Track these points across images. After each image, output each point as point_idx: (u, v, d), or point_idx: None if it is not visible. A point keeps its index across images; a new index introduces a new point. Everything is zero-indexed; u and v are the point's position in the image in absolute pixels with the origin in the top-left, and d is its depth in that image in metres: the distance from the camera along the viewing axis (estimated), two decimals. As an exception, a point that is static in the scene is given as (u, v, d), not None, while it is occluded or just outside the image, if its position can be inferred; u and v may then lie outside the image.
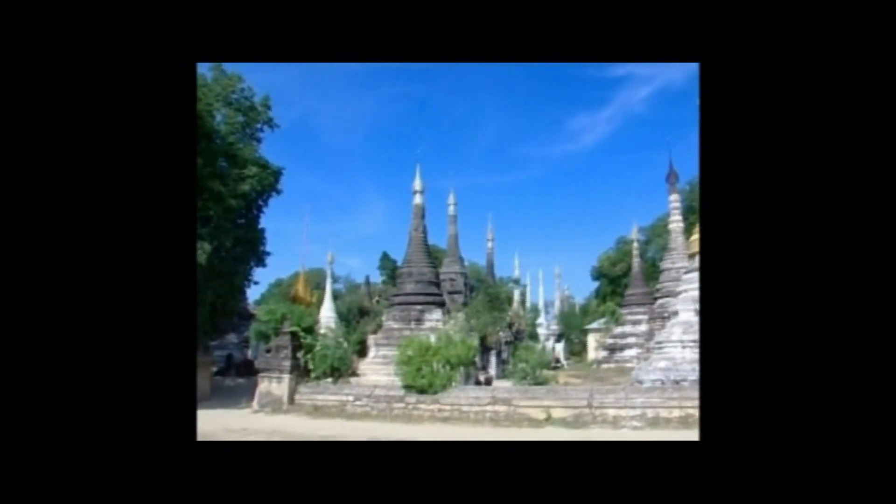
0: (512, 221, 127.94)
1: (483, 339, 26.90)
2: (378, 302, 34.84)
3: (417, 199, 28.78)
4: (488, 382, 22.13)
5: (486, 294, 35.52)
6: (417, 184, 28.75)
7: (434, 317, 25.83)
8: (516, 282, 48.52)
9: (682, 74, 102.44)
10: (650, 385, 15.81)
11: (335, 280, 38.02)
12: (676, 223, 32.34)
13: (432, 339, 17.30)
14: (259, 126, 20.34)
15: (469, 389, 15.78)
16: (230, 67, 19.78)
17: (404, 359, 15.80)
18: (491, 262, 45.08)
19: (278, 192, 20.76)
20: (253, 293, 48.02)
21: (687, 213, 34.01)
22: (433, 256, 30.57)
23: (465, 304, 31.55)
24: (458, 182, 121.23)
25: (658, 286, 33.28)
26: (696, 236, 21.12)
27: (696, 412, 8.92)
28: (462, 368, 17.07)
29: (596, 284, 60.86)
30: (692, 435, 5.71)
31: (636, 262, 39.10)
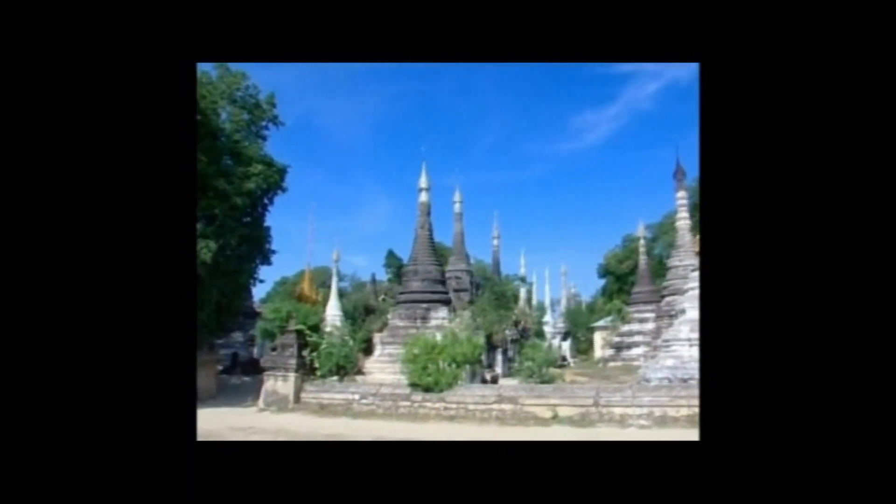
0: (518, 219, 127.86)
1: (489, 338, 26.86)
2: (384, 300, 34.87)
3: (423, 197, 28.73)
4: (494, 381, 22.10)
5: (492, 292, 35.46)
6: (423, 181, 28.70)
7: (440, 315, 25.81)
8: (522, 279, 48.41)
9: (690, 70, 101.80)
10: (657, 383, 15.75)
11: (341, 278, 38.09)
12: (684, 220, 32.20)
13: (438, 337, 17.31)
14: (264, 124, 20.29)
15: (475, 388, 15.77)
16: (234, 65, 19.78)
17: (410, 357, 15.82)
18: (497, 259, 45.04)
19: (284, 190, 20.72)
20: (258, 291, 48.18)
21: (694, 210, 33.80)
22: (439, 254, 30.54)
23: (471, 303, 31.53)
24: (464, 179, 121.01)
25: (665, 284, 33.18)
26: (703, 234, 20.94)
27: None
28: (468, 367, 17.08)
29: (602, 282, 60.75)
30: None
31: (643, 259, 38.98)
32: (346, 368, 17.96)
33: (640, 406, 12.97)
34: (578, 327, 48.65)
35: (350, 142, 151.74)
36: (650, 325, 33.53)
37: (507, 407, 13.88)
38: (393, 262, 43.06)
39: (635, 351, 32.93)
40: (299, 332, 17.63)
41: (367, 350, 25.80)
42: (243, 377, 25.73)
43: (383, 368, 22.84)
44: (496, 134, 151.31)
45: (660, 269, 39.42)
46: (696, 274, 20.28)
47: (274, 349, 17.83)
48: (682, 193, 32.05)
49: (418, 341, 16.46)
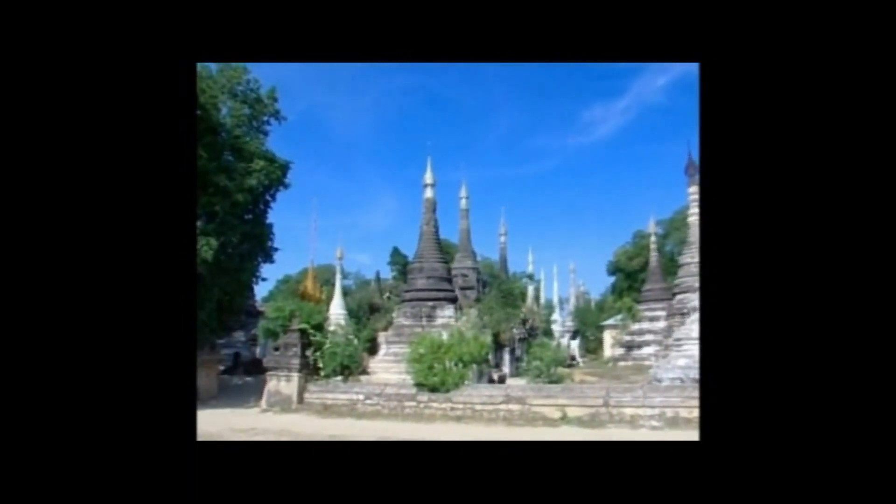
0: (525, 215, 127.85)
1: (496, 336, 26.88)
2: (389, 298, 34.93)
3: (428, 193, 28.75)
4: (502, 380, 22.11)
5: (500, 290, 35.48)
6: (428, 177, 28.71)
7: (446, 313, 25.85)
8: (530, 277, 48.42)
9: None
10: (669, 383, 15.70)
11: (345, 276, 38.21)
12: (696, 216, 32.03)
13: (444, 336, 17.32)
14: (265, 119, 20.28)
15: (482, 388, 15.78)
16: (235, 60, 19.76)
17: (416, 356, 15.83)
18: (504, 257, 45.03)
19: (286, 187, 20.73)
20: (261, 290, 48.42)
21: (707, 205, 33.67)
22: (445, 251, 30.56)
23: (477, 301, 31.55)
24: (470, 175, 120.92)
25: (677, 281, 33.04)
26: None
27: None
28: (475, 366, 17.08)
29: (612, 280, 60.71)
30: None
31: (654, 256, 38.88)
32: (350, 368, 18.01)
33: (652, 407, 12.92)
34: (588, 326, 48.61)
35: (354, 137, 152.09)
36: (661, 324, 33.43)
37: (514, 407, 13.86)
38: (398, 259, 43.12)
39: (646, 350, 32.85)
40: (302, 332, 17.68)
41: (372, 349, 25.86)
42: (245, 377, 25.84)
43: (388, 368, 22.89)
44: (503, 128, 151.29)
45: (671, 266, 39.29)
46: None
47: (276, 349, 17.89)
48: (694, 188, 31.83)
49: (424, 340, 16.47)
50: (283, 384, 16.80)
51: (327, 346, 17.97)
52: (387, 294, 36.29)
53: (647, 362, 29.33)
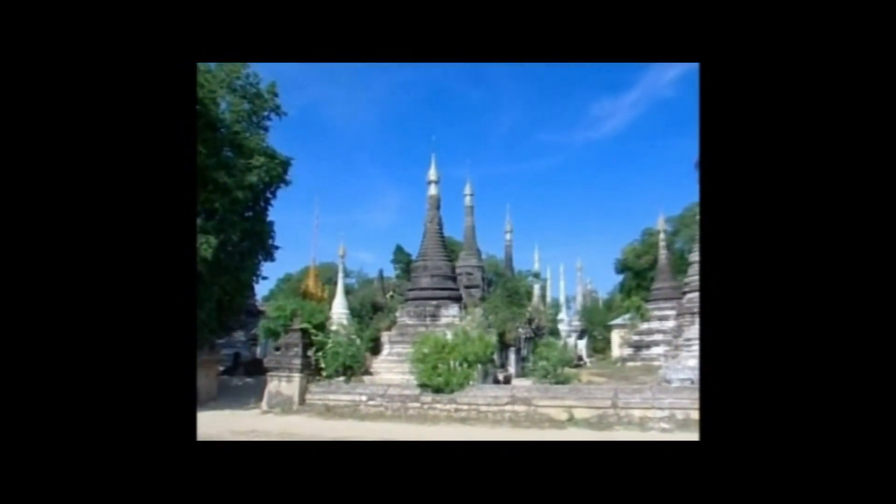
0: (531, 212, 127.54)
1: (501, 336, 26.83)
2: (392, 297, 34.92)
3: (432, 190, 28.68)
4: (507, 381, 22.09)
5: (505, 288, 35.42)
6: (432, 174, 28.64)
7: (450, 312, 25.81)
8: (536, 276, 48.28)
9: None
10: (679, 384, 15.68)
11: (347, 275, 38.18)
12: (705, 213, 31.96)
13: (449, 335, 17.33)
14: (266, 114, 20.25)
15: (487, 388, 15.79)
16: (235, 54, 19.73)
17: (419, 356, 15.84)
18: (509, 255, 44.96)
19: (287, 184, 20.71)
20: (261, 289, 48.54)
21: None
22: (449, 249, 30.50)
23: (482, 300, 31.49)
24: (475, 172, 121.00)
25: (686, 280, 32.81)
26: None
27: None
28: (480, 366, 17.08)
29: (620, 278, 60.61)
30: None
31: (663, 254, 38.74)
32: (352, 368, 18.01)
33: (661, 408, 12.91)
34: (595, 325, 48.51)
35: (356, 133, 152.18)
36: (671, 323, 33.32)
37: (520, 408, 13.87)
38: (401, 257, 43.11)
39: (655, 350, 32.80)
40: (304, 331, 17.70)
41: (375, 349, 25.86)
42: (246, 378, 25.92)
43: (391, 368, 22.87)
44: (509, 123, 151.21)
45: (681, 264, 39.14)
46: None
47: (278, 349, 17.91)
48: (704, 184, 31.77)
49: (428, 340, 16.48)
50: (284, 385, 16.84)
51: (329, 345, 17.98)
52: (390, 293, 36.29)
53: (656, 363, 29.30)
